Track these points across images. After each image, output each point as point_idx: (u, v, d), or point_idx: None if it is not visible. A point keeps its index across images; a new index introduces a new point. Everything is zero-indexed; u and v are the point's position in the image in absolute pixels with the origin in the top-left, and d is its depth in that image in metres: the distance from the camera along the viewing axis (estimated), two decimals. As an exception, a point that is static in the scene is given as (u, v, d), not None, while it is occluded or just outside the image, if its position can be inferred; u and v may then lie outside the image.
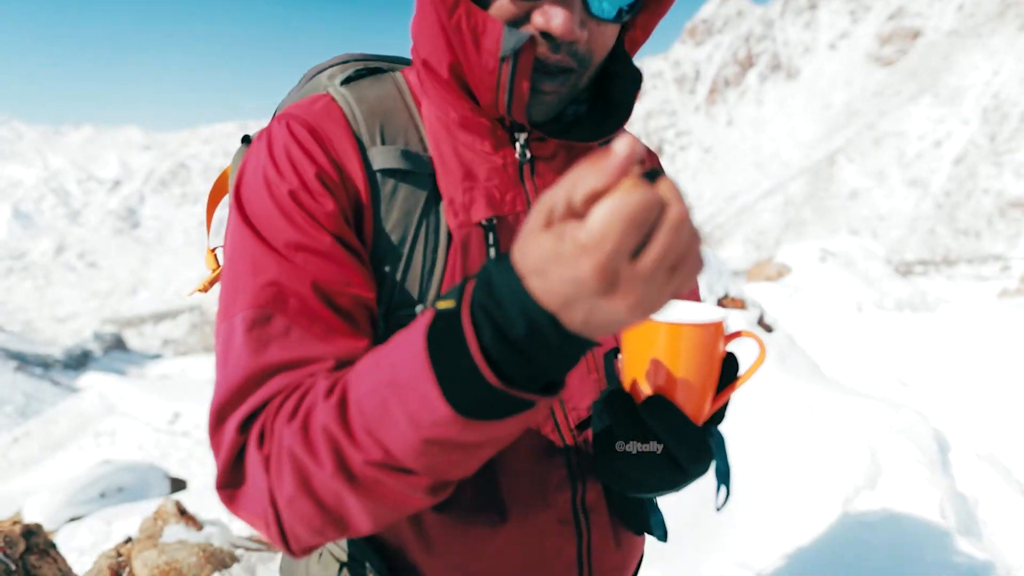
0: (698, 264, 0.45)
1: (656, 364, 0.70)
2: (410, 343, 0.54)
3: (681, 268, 0.44)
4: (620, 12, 0.76)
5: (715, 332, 0.70)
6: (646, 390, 0.71)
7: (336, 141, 0.78)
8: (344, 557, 0.87)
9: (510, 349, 0.49)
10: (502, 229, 0.80)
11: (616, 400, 0.73)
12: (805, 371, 4.33)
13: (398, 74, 0.89)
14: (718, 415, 0.78)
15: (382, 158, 0.79)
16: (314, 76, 0.98)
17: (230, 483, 0.64)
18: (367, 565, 0.84)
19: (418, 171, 0.80)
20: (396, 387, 0.54)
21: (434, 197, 0.80)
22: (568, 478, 0.83)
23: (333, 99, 0.84)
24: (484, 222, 0.79)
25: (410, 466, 0.56)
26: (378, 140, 0.81)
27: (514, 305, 0.47)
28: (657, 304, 0.45)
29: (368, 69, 0.91)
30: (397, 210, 0.78)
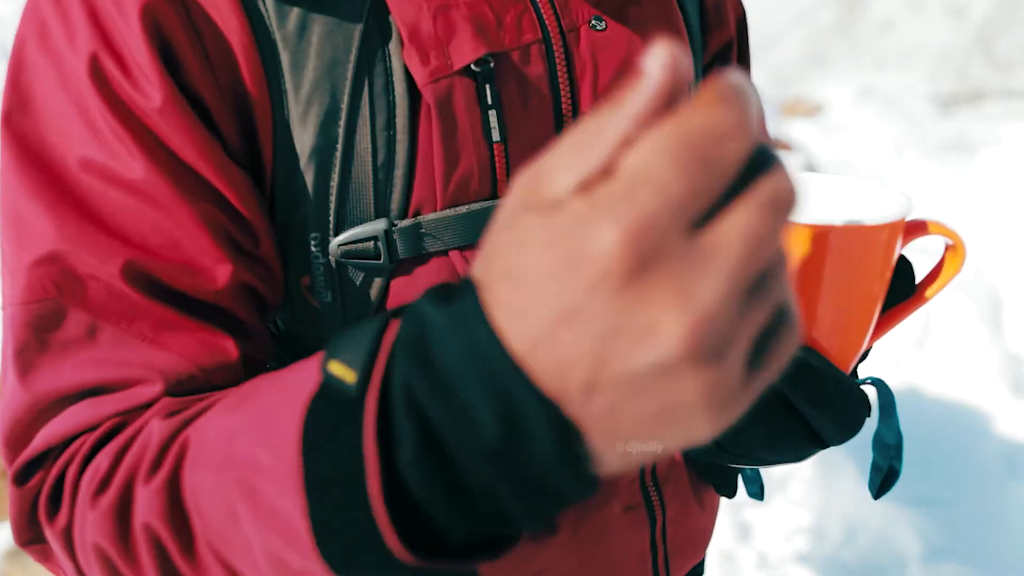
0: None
1: (797, 287, 0.41)
2: (282, 419, 0.33)
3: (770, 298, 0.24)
4: None
5: (892, 234, 0.45)
6: None
7: None
8: None
9: (452, 485, 0.28)
10: (504, 76, 0.51)
11: None
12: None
13: None
14: None
15: None
16: None
17: (34, 539, 0.45)
18: None
19: None
20: (252, 495, 0.34)
21: (378, 30, 0.49)
22: None
23: None
24: (474, 66, 0.49)
25: None
26: None
27: (482, 389, 0.25)
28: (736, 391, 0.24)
29: None
30: (311, 65, 0.47)
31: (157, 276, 0.44)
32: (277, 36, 0.46)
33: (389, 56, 0.49)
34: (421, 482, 0.28)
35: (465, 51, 0.49)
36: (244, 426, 0.37)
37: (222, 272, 0.45)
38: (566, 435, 0.25)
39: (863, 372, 0.56)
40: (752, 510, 2.14)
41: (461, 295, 0.26)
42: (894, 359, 2.68)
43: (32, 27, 0.47)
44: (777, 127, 6.01)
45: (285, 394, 0.35)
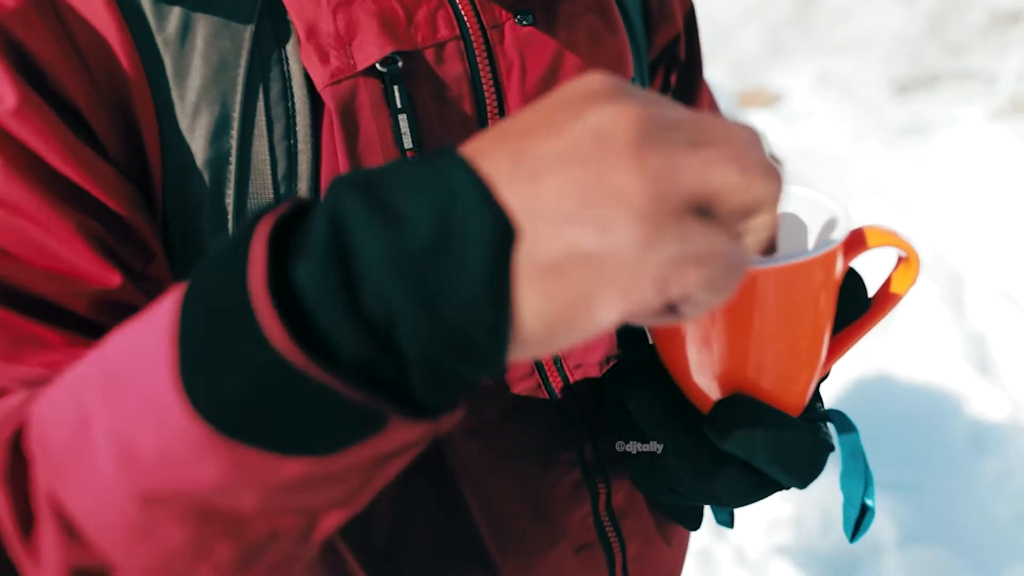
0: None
1: (729, 336, 0.40)
2: (155, 312, 0.30)
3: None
4: None
5: (826, 265, 0.40)
6: (708, 383, 0.42)
7: None
8: None
9: (355, 304, 0.25)
10: (416, 77, 0.47)
11: (648, 382, 0.45)
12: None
13: None
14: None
15: None
16: None
17: None
18: None
19: None
20: (111, 379, 0.30)
21: (273, 30, 0.45)
22: (584, 480, 0.54)
23: None
24: (380, 66, 0.45)
25: (108, 558, 0.30)
26: None
27: (431, 190, 0.25)
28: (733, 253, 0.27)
29: None
30: (196, 71, 0.43)
31: (24, 287, 0.39)
32: (158, 39, 0.42)
33: (286, 58, 0.45)
34: (319, 294, 0.25)
35: (370, 50, 0.44)
36: (107, 342, 0.33)
37: (100, 283, 0.41)
38: (503, 242, 0.24)
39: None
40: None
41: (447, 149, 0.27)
42: (860, 347, 2.69)
43: None
44: (736, 118, 6.01)
45: (160, 303, 0.31)
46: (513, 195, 0.25)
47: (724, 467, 0.45)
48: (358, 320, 0.25)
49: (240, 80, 0.44)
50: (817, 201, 0.44)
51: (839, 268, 0.42)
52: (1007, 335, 2.86)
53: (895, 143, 5.81)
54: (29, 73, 0.39)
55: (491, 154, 0.26)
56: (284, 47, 0.45)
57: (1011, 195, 4.22)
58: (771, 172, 0.27)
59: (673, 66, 0.70)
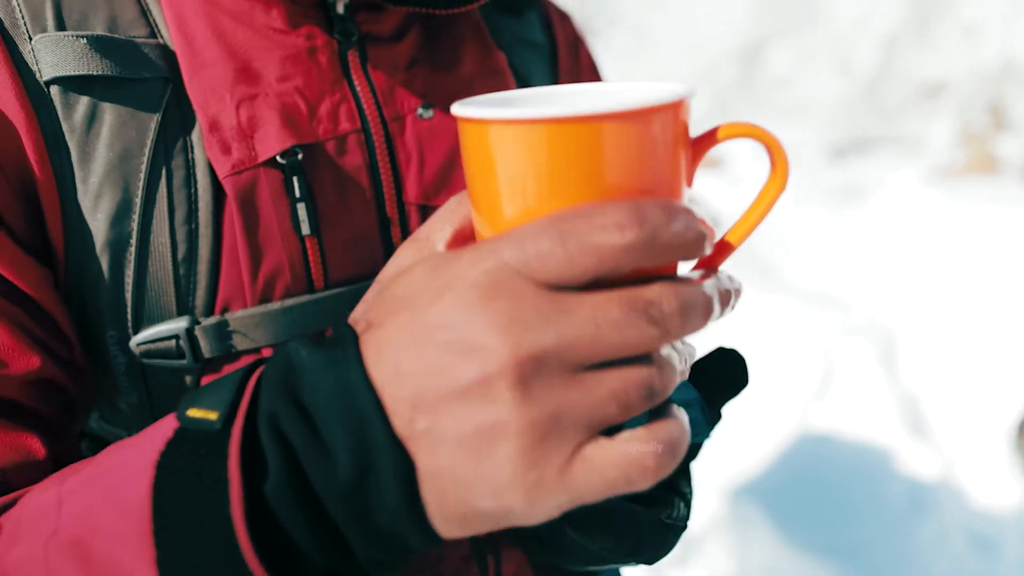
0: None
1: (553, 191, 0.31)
2: (128, 469, 0.31)
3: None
4: None
5: (671, 118, 0.31)
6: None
7: None
8: None
9: (316, 519, 0.29)
10: (317, 168, 0.48)
11: None
12: (755, 275, 4.25)
13: None
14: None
15: (56, 56, 0.43)
16: None
17: None
18: None
19: (137, 74, 0.45)
20: (85, 555, 0.31)
21: (179, 119, 0.46)
22: (473, 553, 0.55)
23: None
24: (280, 157, 0.47)
25: None
26: (49, 19, 0.44)
27: (342, 425, 0.28)
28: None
29: None
30: (101, 157, 0.44)
31: None
32: (64, 126, 0.43)
33: (191, 146, 0.46)
34: (286, 513, 0.28)
35: (270, 142, 0.46)
36: (78, 487, 0.33)
37: (20, 365, 0.41)
38: (410, 480, 0.27)
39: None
40: (673, 572, 2.12)
41: (340, 338, 0.29)
42: (798, 408, 2.73)
43: None
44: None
45: (130, 450, 0.32)
46: (415, 439, 0.27)
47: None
48: (321, 532, 0.29)
49: (144, 167, 0.45)
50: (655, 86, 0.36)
51: (683, 154, 0.33)
52: (940, 396, 2.94)
53: (833, 205, 6.03)
54: None
55: (389, 384, 0.28)
56: (190, 134, 0.46)
57: (944, 257, 4.39)
58: (653, 395, 0.28)
59: None
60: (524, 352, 0.26)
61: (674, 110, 0.32)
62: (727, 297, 0.32)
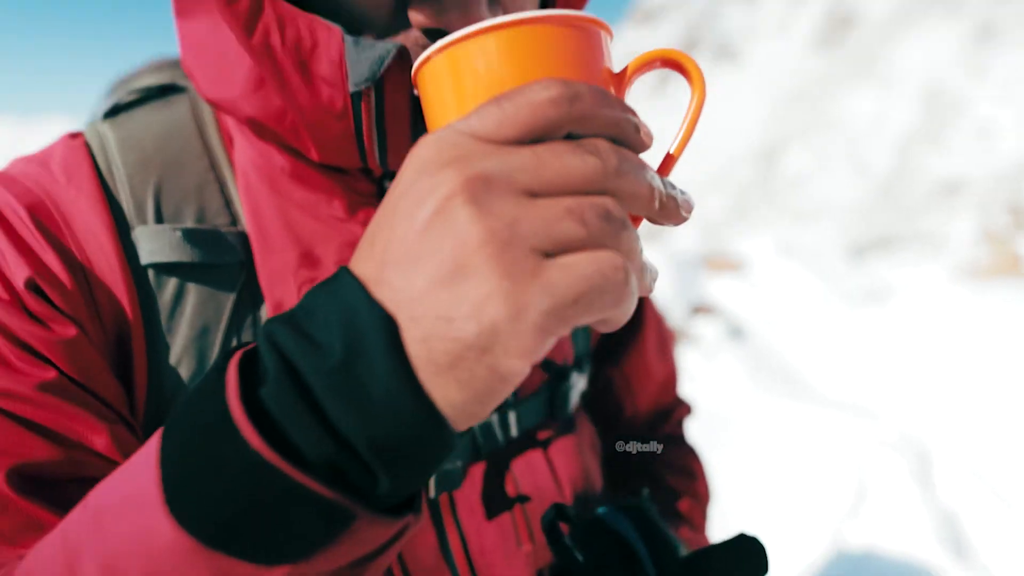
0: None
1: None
2: (131, 466, 0.34)
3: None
4: None
5: (590, 40, 0.36)
6: None
7: (76, 219, 0.49)
8: None
9: (310, 413, 0.29)
10: None
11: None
12: (781, 383, 4.19)
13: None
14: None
15: (154, 245, 0.49)
16: (119, 87, 0.67)
17: None
18: None
19: (219, 260, 0.51)
20: (99, 516, 0.34)
21: (250, 299, 0.51)
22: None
23: (85, 145, 0.53)
24: None
25: None
26: (150, 211, 0.51)
27: (334, 313, 0.30)
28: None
29: (160, 88, 0.59)
30: (185, 329, 0.49)
31: (46, 483, 0.43)
32: (159, 304, 0.49)
33: (259, 323, 0.50)
34: (282, 409, 0.29)
35: None
36: (94, 489, 0.36)
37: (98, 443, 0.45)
38: (394, 335, 0.28)
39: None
40: None
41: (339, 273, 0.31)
42: (831, 528, 2.61)
43: None
44: (703, 285, 6.21)
45: (130, 462, 0.34)
46: (392, 296, 0.29)
47: None
48: (318, 423, 0.29)
49: (219, 341, 0.50)
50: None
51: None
52: (979, 513, 2.81)
53: (857, 306, 5.98)
54: (36, 273, 0.46)
55: (373, 268, 0.30)
56: (259, 311, 0.51)
57: (974, 361, 4.28)
58: (610, 217, 0.30)
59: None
60: (471, 173, 0.28)
61: (586, 28, 0.36)
62: (671, 199, 0.34)
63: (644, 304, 0.81)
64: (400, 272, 0.29)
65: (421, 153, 0.30)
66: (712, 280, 6.68)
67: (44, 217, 0.48)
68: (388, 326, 0.28)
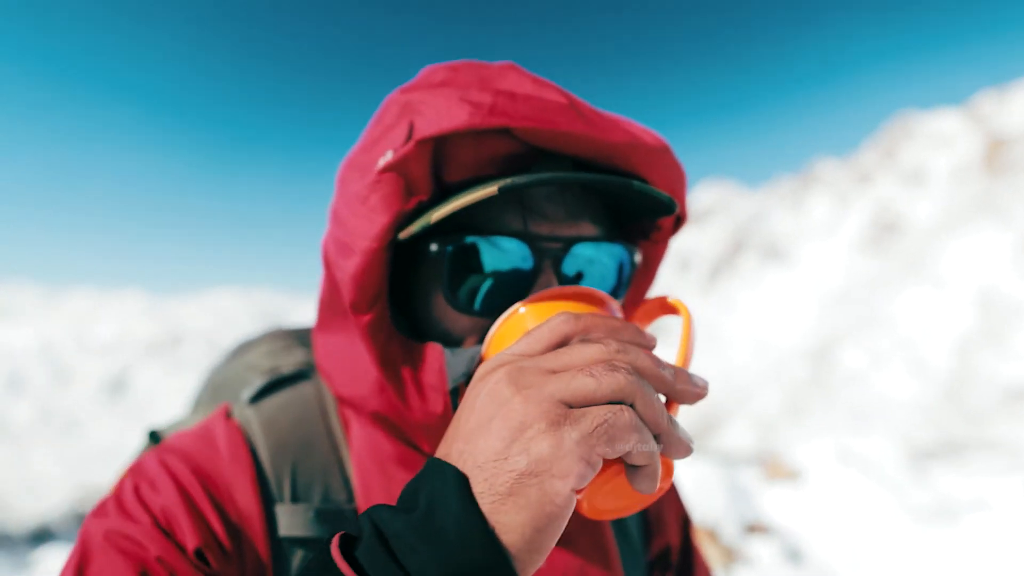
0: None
1: None
2: None
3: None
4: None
5: (601, 307, 0.59)
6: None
7: (237, 491, 0.62)
8: None
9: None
10: None
11: None
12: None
13: (321, 379, 0.74)
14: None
15: (290, 521, 0.63)
16: (239, 356, 0.85)
17: None
18: None
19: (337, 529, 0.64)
20: None
21: (344, 484, 0.67)
22: None
23: (239, 427, 0.67)
24: None
25: None
26: (287, 490, 0.64)
27: (416, 481, 0.42)
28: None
29: (285, 377, 0.75)
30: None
31: None
32: (291, 567, 0.62)
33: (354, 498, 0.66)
34: (369, 555, 0.39)
35: None
36: None
37: None
38: (463, 483, 0.39)
39: None
40: None
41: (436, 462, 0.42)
42: None
43: (117, 518, 0.60)
44: (758, 495, 5.85)
45: None
46: (462, 459, 0.40)
47: None
48: (398, 568, 0.38)
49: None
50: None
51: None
52: None
53: (924, 524, 5.46)
54: (204, 542, 0.58)
55: (449, 448, 0.42)
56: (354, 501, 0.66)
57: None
58: (617, 369, 0.41)
59: (667, 569, 0.86)
60: (512, 367, 0.43)
61: (596, 297, 0.57)
62: (670, 372, 0.46)
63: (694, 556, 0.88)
64: (464, 440, 0.40)
65: (480, 369, 0.44)
66: (767, 490, 6.30)
67: (214, 489, 0.61)
68: (459, 476, 0.39)
